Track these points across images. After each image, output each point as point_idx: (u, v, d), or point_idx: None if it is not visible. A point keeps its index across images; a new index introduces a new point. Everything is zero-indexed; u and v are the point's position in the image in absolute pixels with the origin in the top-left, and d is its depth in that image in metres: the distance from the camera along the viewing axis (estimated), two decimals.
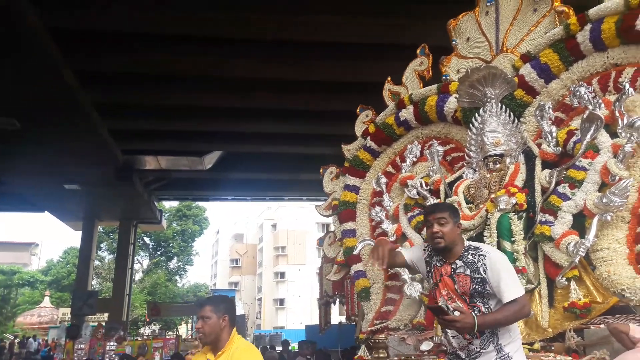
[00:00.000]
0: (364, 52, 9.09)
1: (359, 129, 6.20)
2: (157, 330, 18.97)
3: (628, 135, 3.54)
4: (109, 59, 9.39)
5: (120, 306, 16.18)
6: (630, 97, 3.73)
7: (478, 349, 2.48)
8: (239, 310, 24.78)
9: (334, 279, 6.17)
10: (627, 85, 3.70)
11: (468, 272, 2.47)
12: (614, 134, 3.76)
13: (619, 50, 4.04)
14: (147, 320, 20.08)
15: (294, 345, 23.36)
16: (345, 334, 12.30)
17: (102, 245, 28.43)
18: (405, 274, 4.69)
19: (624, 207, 3.46)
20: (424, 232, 4.83)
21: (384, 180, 5.46)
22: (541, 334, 3.57)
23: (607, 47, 4.10)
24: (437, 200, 4.75)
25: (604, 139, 3.74)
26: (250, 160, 15.02)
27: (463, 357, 2.52)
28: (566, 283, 3.57)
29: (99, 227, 20.05)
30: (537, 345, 3.53)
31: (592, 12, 4.13)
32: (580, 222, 3.68)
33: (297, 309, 40.81)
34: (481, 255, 2.50)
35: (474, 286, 2.45)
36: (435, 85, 5.33)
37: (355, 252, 5.22)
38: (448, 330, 2.59)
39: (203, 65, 9.80)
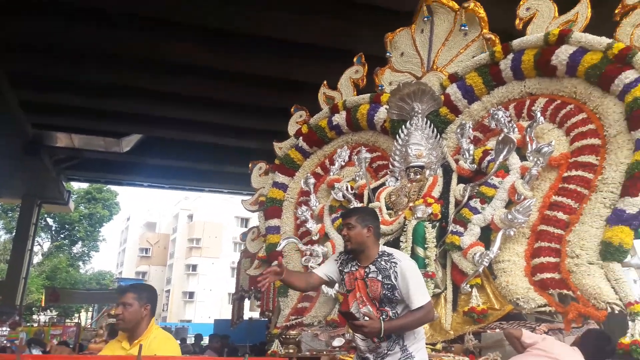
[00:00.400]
0: (302, 51, 9.21)
1: (292, 128, 6.29)
2: (55, 317, 17.82)
3: (535, 159, 3.92)
4: (30, 27, 8.74)
5: (15, 290, 15.01)
6: (541, 125, 4.14)
7: (385, 351, 2.60)
8: None
9: (253, 274, 6.19)
10: (539, 114, 4.10)
11: (380, 277, 2.58)
12: (523, 157, 4.13)
13: (534, 81, 4.47)
14: (43, 305, 18.80)
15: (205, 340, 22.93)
16: (255, 329, 12.33)
17: None
18: None
19: (525, 224, 3.83)
20: None
21: (312, 180, 5.58)
22: (444, 336, 3.84)
23: (525, 77, 4.52)
24: (361, 204, 4.95)
25: (514, 160, 4.10)
26: (172, 147, 14.55)
27: (372, 359, 2.63)
28: (470, 290, 3.87)
29: None
30: (439, 346, 3.79)
31: (516, 43, 4.52)
32: (486, 235, 4.01)
33: (207, 303, 40.01)
34: (393, 262, 2.60)
35: (384, 292, 2.57)
36: (369, 95, 5.55)
37: (279, 248, 5.29)
38: (357, 335, 2.71)
39: (132, 44, 9.39)
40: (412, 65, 5.54)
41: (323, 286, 4.74)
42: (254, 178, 6.51)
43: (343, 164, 5.58)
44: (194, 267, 42.56)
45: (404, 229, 4.25)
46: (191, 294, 41.95)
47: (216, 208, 42.33)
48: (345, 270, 2.73)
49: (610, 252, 3.40)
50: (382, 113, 5.34)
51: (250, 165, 6.62)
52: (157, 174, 17.16)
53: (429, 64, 5.38)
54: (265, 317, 9.06)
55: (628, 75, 3.77)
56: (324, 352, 4.04)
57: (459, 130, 4.58)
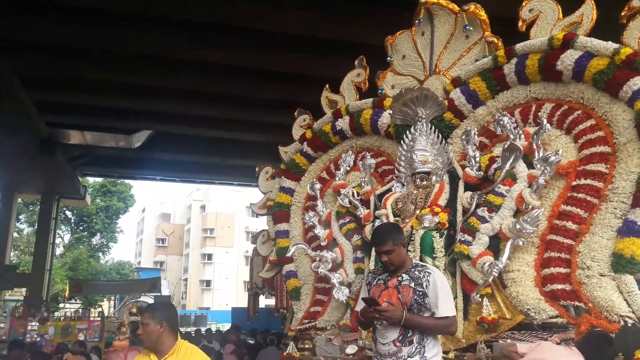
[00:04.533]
0: (300, 43, 9.18)
1: (296, 132, 6.29)
2: (80, 310, 18.34)
3: (542, 168, 3.89)
4: (39, 27, 8.92)
5: (41, 282, 15.59)
6: (548, 132, 4.09)
7: (405, 356, 2.77)
8: (164, 290, 24.34)
9: (265, 277, 6.29)
10: (545, 121, 4.04)
11: (412, 284, 2.82)
12: (530, 164, 4.10)
13: (540, 86, 4.40)
14: (67, 297, 19.36)
15: (219, 326, 23.38)
16: (274, 317, 12.58)
17: (20, 217, 26.83)
18: (334, 279, 4.88)
19: (534, 233, 3.82)
20: (354, 239, 5.09)
21: (318, 186, 5.59)
22: (455, 344, 3.87)
23: (530, 82, 4.44)
24: (367, 211, 4.96)
25: (521, 168, 4.07)
26: (180, 141, 14.76)
27: None
28: (480, 299, 3.89)
29: (19, 198, 19.05)
30: (451, 355, 3.83)
31: (519, 47, 4.45)
32: (495, 244, 4.01)
33: (223, 291, 40.64)
34: (427, 272, 2.88)
35: (415, 297, 2.80)
36: (371, 100, 5.51)
37: (289, 254, 5.34)
38: (378, 338, 2.89)
39: (136, 44, 9.59)
40: (414, 69, 5.48)
41: (334, 291, 4.85)
42: (261, 182, 6.54)
43: (348, 169, 5.57)
44: (209, 257, 43.17)
45: (412, 239, 4.26)
46: (208, 282, 42.63)
47: (227, 199, 42.73)
48: (374, 283, 3.01)
49: (622, 264, 3.39)
50: (385, 118, 5.31)
51: (257, 169, 6.64)
52: (167, 167, 17.46)
53: (432, 67, 5.32)
54: (279, 315, 9.26)
55: (637, 82, 3.69)
56: (338, 359, 4.09)
57: (464, 137, 4.54)
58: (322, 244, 5.25)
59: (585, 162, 3.92)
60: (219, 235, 42.84)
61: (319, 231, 5.29)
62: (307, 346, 5.26)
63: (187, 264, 45.05)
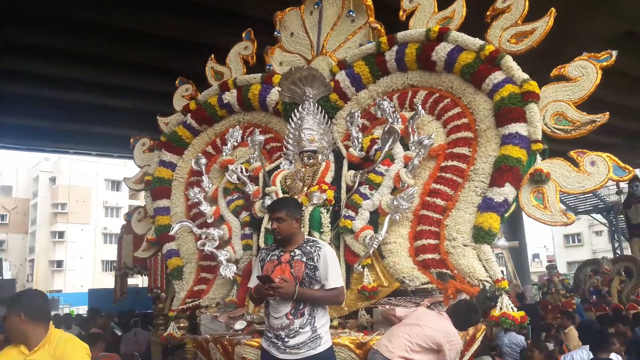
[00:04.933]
0: (187, 10, 8.68)
1: (177, 102, 6.08)
2: None
3: (417, 150, 4.29)
4: None
5: None
6: (422, 117, 4.51)
7: (297, 328, 2.97)
8: (6, 274, 21.78)
9: (142, 256, 6.03)
10: (420, 107, 4.45)
11: (304, 259, 3.02)
12: (406, 146, 4.49)
13: (416, 74, 4.81)
14: None
15: (73, 310, 21.72)
16: (141, 298, 12.07)
17: None
18: (221, 256, 4.88)
19: (409, 209, 4.23)
20: (242, 215, 5.13)
21: (203, 160, 5.48)
22: (339, 312, 4.16)
23: (408, 69, 4.84)
24: (256, 187, 5.02)
25: (398, 150, 4.45)
26: (28, 104, 12.97)
27: (283, 336, 2.98)
28: (361, 270, 4.21)
29: None
30: (335, 322, 4.11)
31: (400, 35, 4.80)
32: (374, 219, 4.35)
33: (78, 272, 37.57)
34: (317, 247, 3.09)
35: (306, 271, 2.99)
36: (260, 75, 5.53)
37: (172, 232, 5.17)
38: (271, 313, 3.05)
39: None
40: (302, 47, 5.61)
41: (221, 268, 4.86)
42: (137, 155, 6.22)
43: (236, 144, 5.55)
44: (61, 234, 39.40)
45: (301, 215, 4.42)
46: (59, 263, 38.99)
47: (82, 170, 39.20)
48: (267, 259, 3.14)
49: (482, 236, 3.92)
50: (274, 95, 5.37)
51: (132, 141, 6.29)
52: (11, 133, 15.28)
53: (319, 48, 5.49)
54: (152, 295, 8.95)
55: (497, 76, 4.24)
56: (227, 336, 4.14)
57: (348, 119, 4.80)
58: (208, 221, 5.19)
59: (452, 145, 4.41)
60: (72, 210, 39.23)
61: (205, 208, 5.22)
62: (182, 325, 5.25)
63: (34, 243, 40.66)
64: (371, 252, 4.15)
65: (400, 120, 4.64)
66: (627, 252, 14.18)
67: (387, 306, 3.97)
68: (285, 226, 3.08)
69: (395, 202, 4.16)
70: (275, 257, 3.11)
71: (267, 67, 5.66)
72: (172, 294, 5.73)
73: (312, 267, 3.00)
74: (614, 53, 4.02)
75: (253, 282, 3.19)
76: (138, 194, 31.95)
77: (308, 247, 3.09)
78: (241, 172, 5.20)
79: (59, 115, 13.39)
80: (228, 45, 6.06)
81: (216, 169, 5.63)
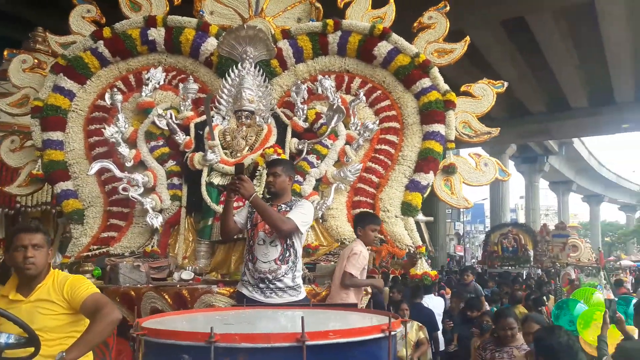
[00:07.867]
0: None
1: (77, 23, 5.28)
2: None
3: (362, 131, 4.98)
4: None
5: None
6: (360, 102, 5.18)
7: (283, 274, 3.55)
8: None
9: (16, 193, 5.11)
10: (362, 93, 5.11)
11: (287, 209, 3.65)
12: (345, 126, 5.10)
13: (353, 61, 5.39)
14: None
15: None
16: None
17: None
18: (147, 204, 4.68)
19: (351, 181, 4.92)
20: (169, 164, 5.00)
21: (120, 97, 4.95)
22: None
23: (347, 55, 5.38)
24: (188, 138, 4.91)
25: (341, 128, 5.03)
26: None
27: (271, 278, 3.52)
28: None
29: None
30: None
31: (346, 23, 5.31)
32: (315, 187, 4.88)
33: None
34: (299, 201, 3.84)
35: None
36: (195, 20, 5.28)
37: (91, 173, 4.60)
38: (259, 257, 3.57)
39: None
40: (238, 3, 5.55)
41: (148, 217, 4.72)
42: (15, 72, 5.18)
43: (157, 86, 5.20)
44: None
45: (256, 175, 4.63)
46: None
47: None
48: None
49: (409, 210, 4.88)
50: (209, 45, 5.23)
51: (5, 54, 5.20)
52: None
53: (257, 9, 5.54)
54: None
55: (425, 82, 5.17)
56: (178, 286, 4.15)
57: (294, 89, 5.10)
58: (127, 164, 4.83)
59: (384, 132, 5.22)
60: None
61: (124, 150, 4.82)
62: (88, 268, 4.93)
63: None
64: (319, 215, 4.70)
65: (340, 100, 5.20)
66: None
67: (330, 263, 4.62)
68: (279, 181, 3.67)
69: (342, 174, 4.79)
70: None
71: (200, 12, 5.43)
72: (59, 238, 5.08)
73: (289, 212, 3.64)
74: (506, 84, 5.38)
75: (239, 216, 3.74)
76: None
77: (293, 202, 3.73)
78: (171, 118, 4.98)
79: None
80: None
81: (129, 109, 5.18)
